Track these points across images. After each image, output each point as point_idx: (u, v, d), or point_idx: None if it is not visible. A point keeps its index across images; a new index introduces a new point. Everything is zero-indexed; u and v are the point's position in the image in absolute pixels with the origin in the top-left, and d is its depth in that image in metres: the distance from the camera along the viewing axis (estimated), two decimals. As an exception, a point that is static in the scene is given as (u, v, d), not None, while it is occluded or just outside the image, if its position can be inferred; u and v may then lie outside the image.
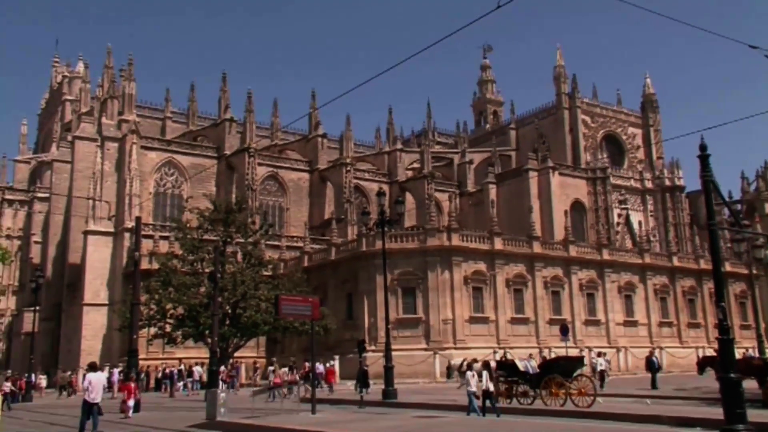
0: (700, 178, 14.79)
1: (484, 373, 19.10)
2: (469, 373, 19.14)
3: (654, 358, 32.48)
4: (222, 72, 66.47)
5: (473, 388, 18.63)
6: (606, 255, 53.84)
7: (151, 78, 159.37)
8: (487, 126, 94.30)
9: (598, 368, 31.75)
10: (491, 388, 18.68)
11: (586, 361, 28.98)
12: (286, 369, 33.66)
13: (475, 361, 27.32)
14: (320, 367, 35.48)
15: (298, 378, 31.35)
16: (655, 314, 55.72)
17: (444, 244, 44.85)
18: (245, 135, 62.26)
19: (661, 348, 51.10)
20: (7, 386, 32.79)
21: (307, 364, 35.35)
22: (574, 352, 41.32)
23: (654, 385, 29.51)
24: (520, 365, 22.38)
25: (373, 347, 41.25)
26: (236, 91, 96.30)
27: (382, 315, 37.32)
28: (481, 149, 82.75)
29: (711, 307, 56.11)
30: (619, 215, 74.71)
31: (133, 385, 23.10)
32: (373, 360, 36.61)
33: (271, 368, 37.69)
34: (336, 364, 39.79)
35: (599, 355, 35.06)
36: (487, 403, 18.74)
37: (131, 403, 22.31)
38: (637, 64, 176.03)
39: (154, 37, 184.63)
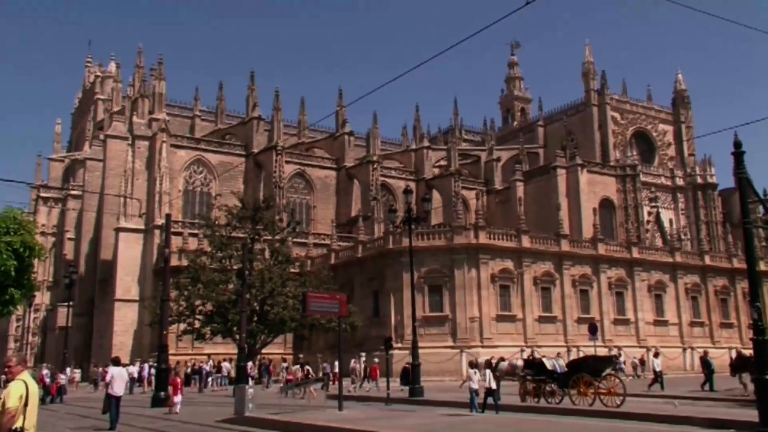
0: (734, 175, 14.48)
1: (487, 372, 19.74)
2: (471, 370, 19.97)
3: (709, 359, 29.91)
4: (250, 70, 67.02)
5: (475, 386, 19.35)
6: (636, 253, 53.11)
7: (180, 77, 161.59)
8: (515, 123, 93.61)
9: (657, 368, 30.67)
10: (494, 386, 19.36)
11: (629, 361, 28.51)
12: (298, 366, 33.85)
13: (502, 359, 27.22)
14: (354, 364, 35.48)
15: (308, 376, 31.38)
16: (686, 314, 54.79)
17: (471, 242, 44.62)
18: (273, 133, 62.67)
19: (692, 348, 50.26)
20: (63, 378, 33.24)
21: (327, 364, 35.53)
22: (602, 352, 40.88)
23: (711, 387, 27.56)
24: (548, 364, 22.20)
25: (399, 345, 41.18)
26: (264, 90, 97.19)
27: (408, 313, 37.26)
28: (509, 147, 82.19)
29: (744, 306, 55.05)
30: (649, 213, 73.65)
31: (179, 380, 22.45)
32: (400, 358, 36.60)
33: (284, 365, 37.91)
34: (362, 359, 39.86)
35: (656, 355, 33.95)
36: (490, 400, 19.37)
37: (178, 398, 21.70)
38: (668, 60, 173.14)
39: (184, 36, 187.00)
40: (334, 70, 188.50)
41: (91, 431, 17.56)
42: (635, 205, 70.65)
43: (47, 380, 30.89)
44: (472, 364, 21.88)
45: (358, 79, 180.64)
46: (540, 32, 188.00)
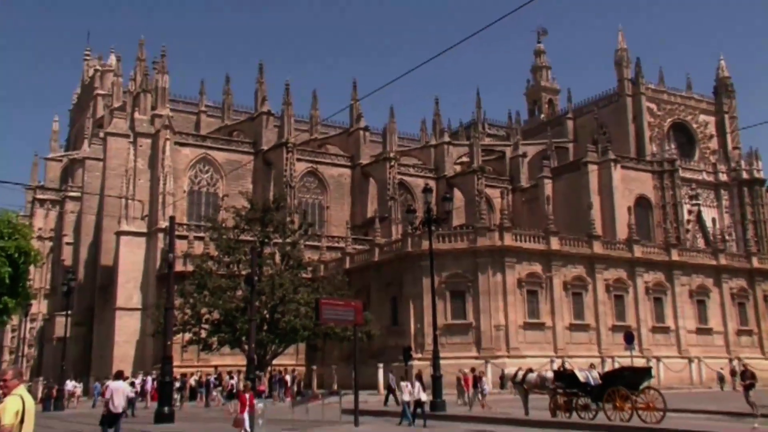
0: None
1: (417, 384, 21.95)
2: (403, 383, 22.81)
3: (750, 369, 29.41)
4: (258, 62, 67.19)
5: (407, 398, 21.81)
6: (675, 255, 52.58)
7: (185, 70, 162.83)
8: (542, 116, 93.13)
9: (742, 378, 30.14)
10: (423, 398, 21.86)
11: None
12: (233, 380, 33.67)
13: (530, 370, 27.00)
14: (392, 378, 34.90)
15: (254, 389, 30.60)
16: (733, 321, 54.12)
17: (496, 244, 44.46)
18: (283, 129, 62.89)
19: (739, 359, 49.62)
20: (71, 385, 33.41)
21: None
22: (640, 362, 40.50)
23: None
24: (580, 376, 22.01)
25: (419, 355, 41.17)
26: (273, 83, 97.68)
27: (429, 320, 37.20)
28: (536, 141, 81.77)
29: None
30: (690, 212, 72.87)
31: (248, 395, 17.90)
32: (420, 369, 36.48)
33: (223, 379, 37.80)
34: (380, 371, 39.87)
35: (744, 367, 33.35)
36: (419, 410, 21.89)
37: (246, 416, 17.39)
38: (710, 45, 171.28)
39: (188, 27, 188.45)
40: (347, 62, 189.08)
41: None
42: (674, 203, 69.94)
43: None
44: (403, 378, 24.77)
45: (374, 71, 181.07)
46: (568, 17, 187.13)
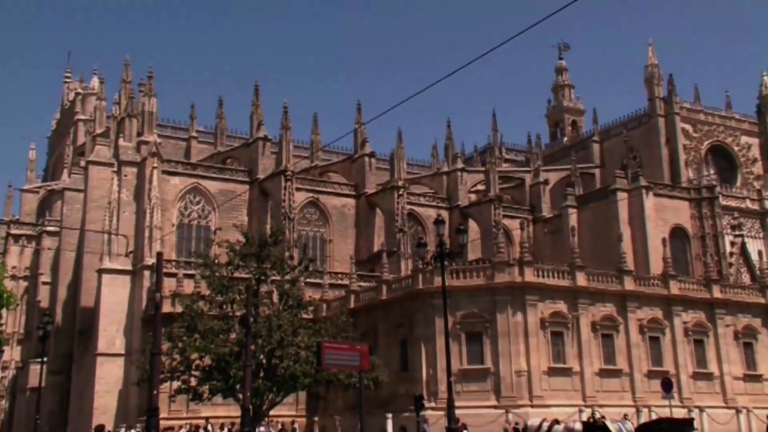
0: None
1: None
2: None
3: None
4: (254, 83, 67.88)
5: None
6: (717, 292, 52.44)
7: (173, 93, 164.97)
8: (565, 139, 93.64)
9: None
10: None
11: None
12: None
13: (556, 422, 26.99)
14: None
15: None
16: (786, 366, 53.66)
17: (515, 280, 44.50)
18: (281, 156, 63.50)
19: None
20: None
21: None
22: (680, 413, 40.22)
23: None
24: (613, 428, 22.06)
25: (432, 404, 41.03)
26: (270, 106, 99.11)
27: (442, 365, 37.09)
28: (559, 167, 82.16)
29: None
30: (732, 243, 72.72)
31: None
32: (434, 419, 36.44)
33: None
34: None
35: None
36: None
37: None
38: (751, 60, 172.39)
39: (177, 46, 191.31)
40: (351, 82, 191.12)
41: None
42: (714, 234, 69.86)
43: None
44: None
45: (380, 92, 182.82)
46: (592, 31, 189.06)
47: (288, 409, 48.76)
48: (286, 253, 45.82)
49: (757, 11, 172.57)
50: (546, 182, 77.00)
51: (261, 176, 63.64)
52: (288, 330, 39.30)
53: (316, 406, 50.67)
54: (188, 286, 48.49)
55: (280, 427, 44.81)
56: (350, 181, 69.59)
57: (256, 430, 35.87)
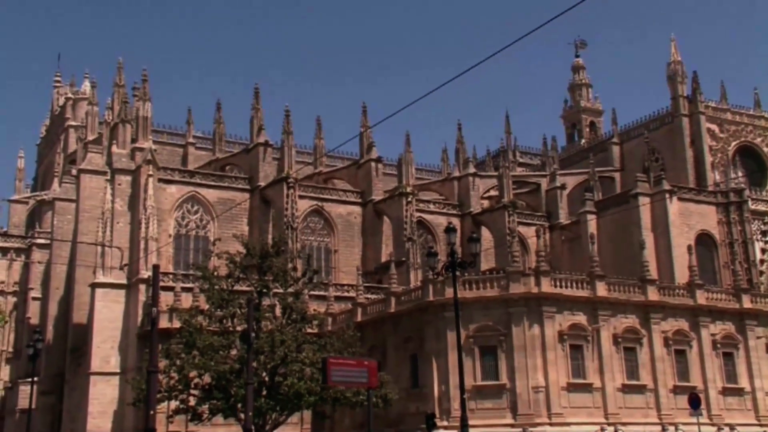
0: None
1: None
2: None
3: None
4: (254, 86, 68.07)
5: None
6: (747, 302, 52.25)
7: (169, 97, 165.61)
8: (583, 141, 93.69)
9: None
10: None
11: None
12: None
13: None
14: None
15: None
16: (824, 380, 53.42)
17: (531, 290, 44.52)
18: (283, 162, 63.72)
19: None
20: None
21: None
22: (710, 431, 40.12)
23: None
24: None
25: (445, 423, 41.09)
26: (271, 110, 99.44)
27: (455, 382, 37.15)
28: (576, 171, 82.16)
29: None
30: (763, 250, 72.57)
31: None
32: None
33: None
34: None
35: None
36: None
37: None
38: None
39: (172, 47, 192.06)
40: (356, 83, 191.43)
41: None
42: (743, 241, 69.71)
43: None
44: None
45: (387, 94, 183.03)
46: (610, 27, 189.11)
47: (292, 429, 48.88)
48: (289, 265, 45.85)
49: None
50: (563, 187, 76.94)
51: (262, 183, 63.85)
52: (292, 345, 39.48)
53: (322, 426, 50.69)
54: (186, 300, 48.65)
55: None
56: (356, 187, 69.72)
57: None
